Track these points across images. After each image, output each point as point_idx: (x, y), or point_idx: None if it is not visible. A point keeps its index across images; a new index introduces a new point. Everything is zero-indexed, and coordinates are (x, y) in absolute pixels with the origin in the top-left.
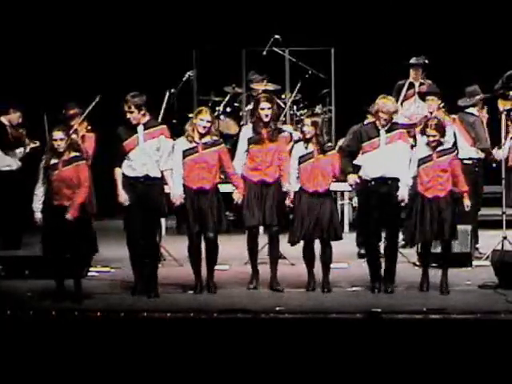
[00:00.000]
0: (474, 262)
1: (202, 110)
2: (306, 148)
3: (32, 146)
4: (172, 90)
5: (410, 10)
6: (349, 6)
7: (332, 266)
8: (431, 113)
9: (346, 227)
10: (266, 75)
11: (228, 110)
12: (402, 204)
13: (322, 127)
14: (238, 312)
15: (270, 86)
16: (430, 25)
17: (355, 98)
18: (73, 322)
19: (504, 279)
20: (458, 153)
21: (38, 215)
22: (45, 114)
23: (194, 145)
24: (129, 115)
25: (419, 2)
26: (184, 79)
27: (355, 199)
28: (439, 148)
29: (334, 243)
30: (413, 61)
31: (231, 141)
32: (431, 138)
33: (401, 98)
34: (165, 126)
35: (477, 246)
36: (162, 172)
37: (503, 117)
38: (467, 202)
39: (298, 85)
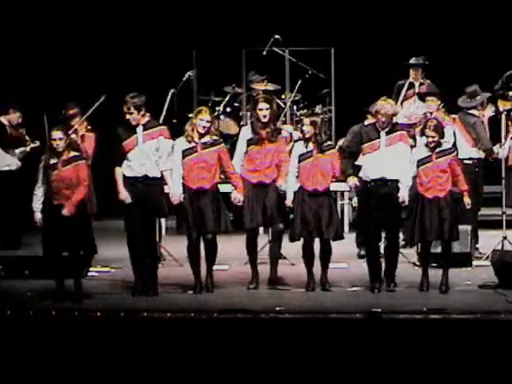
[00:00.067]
0: (474, 262)
1: (202, 110)
2: (306, 147)
3: (32, 145)
4: (172, 90)
5: (409, 10)
6: (349, 6)
7: (332, 266)
8: (431, 113)
9: (346, 227)
10: (267, 76)
11: (228, 110)
12: (403, 205)
13: (321, 127)
14: (238, 312)
15: (270, 86)
16: (429, 25)
17: (355, 98)
18: (73, 322)
19: (504, 279)
20: (457, 153)
21: (38, 215)
22: (45, 114)
23: (194, 145)
24: (128, 116)
25: (419, 2)
26: (184, 79)
27: (355, 199)
28: (438, 149)
29: (333, 243)
30: (412, 61)
31: (231, 141)
32: (430, 139)
33: (401, 97)
34: (164, 127)
35: (477, 245)
36: (161, 172)
37: (503, 117)
38: (467, 200)
39: (298, 84)
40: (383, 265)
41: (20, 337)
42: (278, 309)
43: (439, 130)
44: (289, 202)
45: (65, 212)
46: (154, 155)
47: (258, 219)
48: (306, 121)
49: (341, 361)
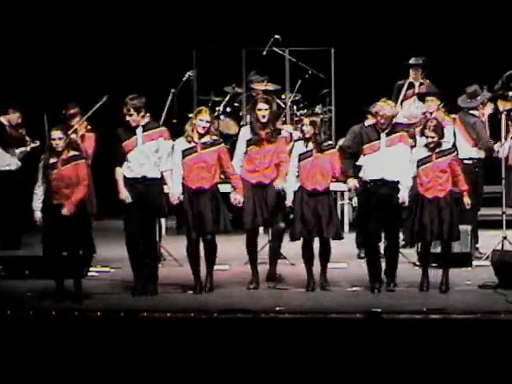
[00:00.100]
0: (474, 262)
1: (202, 110)
2: (306, 147)
3: (33, 145)
4: (172, 90)
5: (409, 10)
6: (349, 6)
7: (332, 266)
8: (431, 113)
9: (346, 227)
10: (267, 76)
11: (228, 110)
12: (403, 206)
13: (320, 126)
14: (238, 312)
15: (270, 86)
16: (429, 25)
17: (355, 98)
18: (73, 322)
19: (504, 279)
20: (457, 153)
21: (38, 214)
22: (45, 114)
23: (193, 145)
24: (128, 117)
25: (419, 2)
26: (184, 79)
27: (355, 199)
28: (438, 149)
29: (333, 243)
30: (412, 61)
31: (231, 141)
32: (429, 140)
33: (400, 97)
34: (164, 128)
35: (477, 245)
36: (161, 173)
37: (503, 117)
38: (467, 200)
39: (298, 84)
40: (383, 265)
41: (20, 337)
42: (277, 309)
43: (439, 130)
44: (289, 201)
45: (65, 211)
46: (153, 156)
47: (257, 219)
48: (306, 121)
49: (341, 361)
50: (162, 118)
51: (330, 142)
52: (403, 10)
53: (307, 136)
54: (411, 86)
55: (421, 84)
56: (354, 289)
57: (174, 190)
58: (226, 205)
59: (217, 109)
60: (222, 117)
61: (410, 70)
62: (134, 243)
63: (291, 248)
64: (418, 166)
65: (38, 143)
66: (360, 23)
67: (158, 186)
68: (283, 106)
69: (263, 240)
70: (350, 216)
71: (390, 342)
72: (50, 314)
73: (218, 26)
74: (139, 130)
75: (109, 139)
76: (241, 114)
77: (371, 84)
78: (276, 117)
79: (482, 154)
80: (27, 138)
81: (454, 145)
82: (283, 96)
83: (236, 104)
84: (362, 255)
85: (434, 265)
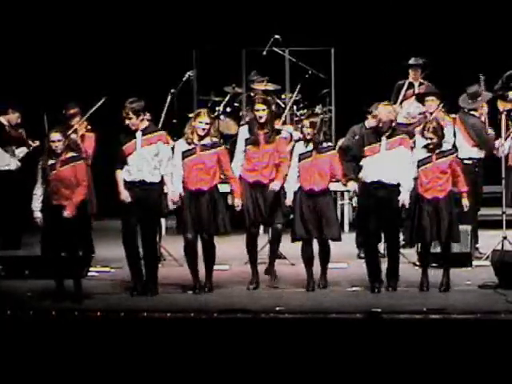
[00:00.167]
0: (474, 262)
1: (201, 113)
2: (306, 147)
3: (33, 145)
4: (172, 90)
5: (409, 11)
6: (349, 6)
7: (331, 266)
8: (431, 113)
9: (346, 227)
10: (268, 77)
11: (228, 110)
12: (403, 208)
13: (320, 126)
14: (238, 312)
15: (270, 86)
16: (429, 25)
17: (355, 98)
18: (73, 322)
19: (504, 279)
20: (457, 154)
21: (38, 214)
22: (45, 114)
23: (193, 146)
24: (127, 121)
25: (419, 2)
26: (184, 79)
27: (355, 199)
28: (438, 150)
29: (333, 243)
30: (412, 61)
31: (231, 141)
32: (429, 141)
33: (400, 97)
34: (163, 132)
35: (477, 245)
36: (162, 176)
37: (503, 117)
38: (466, 202)
39: (298, 88)
40: (382, 265)
41: (20, 337)
42: (278, 309)
43: (438, 131)
44: (288, 201)
45: (66, 214)
46: (152, 160)
47: (257, 219)
48: (306, 123)
49: (341, 361)
50: (162, 119)
51: (329, 144)
52: (403, 10)
53: (308, 138)
54: (411, 86)
55: (420, 84)
56: (353, 289)
57: (173, 193)
58: (225, 204)
59: (217, 109)
60: (222, 117)
61: (410, 71)
62: (131, 243)
63: (291, 248)
64: (418, 167)
65: (37, 143)
66: (360, 23)
67: (156, 190)
68: (283, 105)
69: (263, 240)
70: (350, 216)
71: (390, 342)
72: (50, 314)
73: (218, 25)
74: (138, 134)
75: (109, 139)
76: (241, 113)
77: (371, 84)
78: (275, 117)
79: (482, 154)
80: (26, 139)
81: (454, 145)
82: (283, 96)
83: (236, 104)
84: (362, 255)
85: (434, 265)
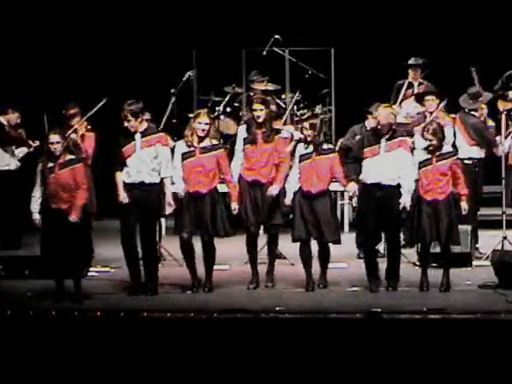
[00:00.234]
0: (474, 262)
1: (200, 113)
2: (306, 148)
3: (34, 145)
4: (172, 90)
5: (409, 11)
6: (349, 6)
7: (332, 266)
8: (431, 113)
9: (346, 227)
10: (268, 77)
11: (228, 110)
12: (404, 211)
13: (321, 127)
14: (238, 312)
15: (270, 86)
16: (429, 25)
17: (355, 98)
18: (73, 322)
19: (504, 279)
20: (458, 156)
21: (36, 216)
22: (45, 114)
23: (192, 149)
24: (126, 123)
25: (419, 2)
26: (184, 79)
27: (355, 199)
28: (439, 152)
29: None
30: (411, 61)
31: (231, 141)
32: (428, 142)
33: (400, 97)
34: (162, 134)
35: (477, 245)
36: (161, 179)
37: (503, 117)
38: (465, 206)
39: (298, 93)
40: (381, 265)
41: (20, 337)
42: (277, 309)
43: (438, 133)
44: (288, 200)
45: (73, 219)
46: (151, 162)
47: (256, 219)
48: (306, 124)
49: (341, 361)
50: (164, 120)
51: (330, 146)
52: (403, 10)
53: (309, 139)
54: (410, 86)
55: (420, 84)
56: (353, 289)
57: (175, 191)
58: (225, 205)
59: (217, 109)
60: (221, 117)
61: (409, 70)
62: (130, 243)
63: (291, 248)
64: (418, 168)
65: (37, 143)
66: (360, 23)
67: (156, 191)
68: (283, 106)
69: (263, 240)
70: (350, 216)
71: (390, 342)
72: (50, 314)
73: (218, 25)
74: (137, 136)
75: (109, 139)
76: (241, 113)
77: (371, 84)
78: (274, 117)
79: (482, 154)
80: (26, 139)
81: (454, 145)
82: (283, 96)
83: (236, 104)
84: (362, 255)
85: (434, 265)
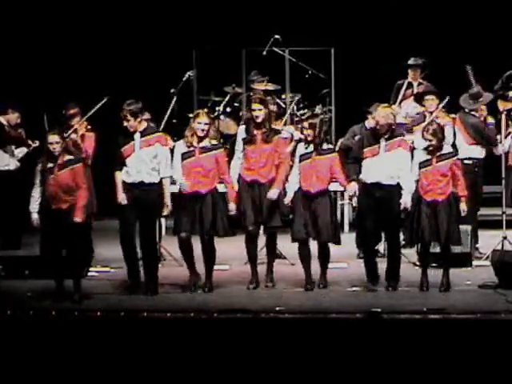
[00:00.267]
0: (474, 262)
1: (199, 114)
2: (306, 148)
3: (33, 145)
4: (172, 90)
5: (409, 11)
6: (349, 6)
7: (332, 266)
8: (431, 112)
9: (346, 227)
10: (268, 77)
11: (228, 110)
12: (404, 211)
13: (321, 126)
14: (238, 312)
15: (270, 86)
16: (429, 25)
17: (355, 98)
18: (73, 322)
19: (504, 279)
20: (458, 157)
21: (35, 216)
22: (45, 114)
23: (192, 149)
24: (125, 123)
25: (419, 2)
26: (184, 79)
27: (355, 199)
28: (439, 152)
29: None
30: (411, 61)
31: (231, 141)
32: (428, 143)
33: (400, 97)
34: (161, 134)
35: (477, 245)
36: (160, 179)
37: (503, 117)
38: (464, 207)
39: (295, 101)
40: (380, 265)
41: (20, 337)
42: (277, 309)
43: (438, 134)
44: (287, 199)
45: (76, 220)
46: (151, 162)
47: (256, 218)
48: (305, 125)
49: (341, 361)
50: (164, 120)
51: (330, 146)
52: (403, 10)
53: (309, 139)
54: (410, 86)
55: (419, 84)
56: (353, 289)
57: (169, 199)
58: (225, 205)
59: (217, 109)
60: (221, 117)
61: (409, 71)
62: (129, 243)
63: (291, 248)
64: (419, 168)
65: (37, 143)
66: (360, 23)
67: (155, 190)
68: (283, 106)
69: (263, 240)
70: (350, 216)
71: (390, 342)
72: (50, 314)
73: (218, 25)
74: (137, 136)
75: (109, 139)
76: (241, 113)
77: (371, 84)
78: (274, 117)
79: (482, 154)
80: (25, 139)
81: (454, 145)
82: (283, 96)
83: (236, 104)
84: (362, 255)
85: (433, 265)
